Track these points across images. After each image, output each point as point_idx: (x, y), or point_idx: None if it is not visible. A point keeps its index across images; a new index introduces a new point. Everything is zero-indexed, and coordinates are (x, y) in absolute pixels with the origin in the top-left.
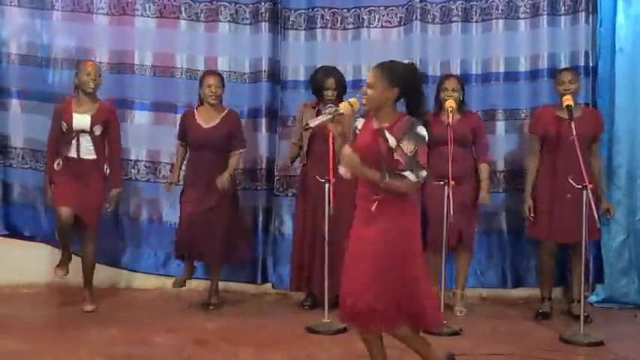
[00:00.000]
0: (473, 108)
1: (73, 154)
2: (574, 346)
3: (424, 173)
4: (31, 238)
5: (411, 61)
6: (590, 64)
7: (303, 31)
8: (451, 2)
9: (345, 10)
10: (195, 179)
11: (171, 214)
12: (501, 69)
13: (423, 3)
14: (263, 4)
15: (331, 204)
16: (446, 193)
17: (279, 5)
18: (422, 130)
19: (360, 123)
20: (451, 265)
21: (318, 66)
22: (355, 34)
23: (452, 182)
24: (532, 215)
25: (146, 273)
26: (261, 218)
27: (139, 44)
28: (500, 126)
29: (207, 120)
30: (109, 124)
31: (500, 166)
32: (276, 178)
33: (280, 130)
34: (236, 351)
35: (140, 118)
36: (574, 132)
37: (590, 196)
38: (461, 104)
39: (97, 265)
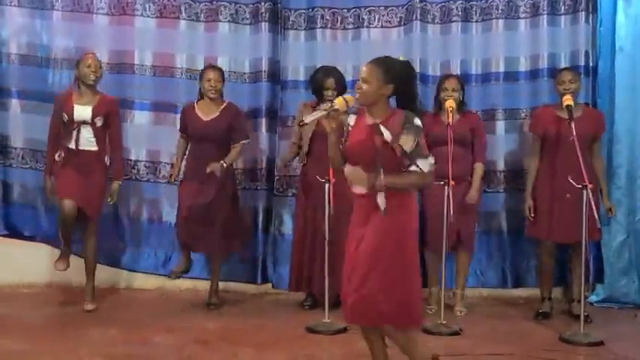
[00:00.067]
0: (473, 108)
1: (72, 145)
2: (574, 345)
3: (432, 160)
4: (31, 238)
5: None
6: (590, 64)
7: (303, 31)
8: (451, 2)
9: (345, 10)
10: (196, 171)
11: (171, 214)
12: (501, 69)
13: (423, 3)
14: (263, 4)
15: (331, 204)
16: (446, 193)
17: (279, 5)
18: (418, 121)
19: (352, 119)
20: (451, 265)
21: (318, 66)
22: (355, 34)
23: (452, 182)
24: (532, 215)
25: (146, 273)
26: (261, 218)
27: (139, 44)
28: (500, 126)
29: (206, 113)
30: (110, 117)
31: (500, 166)
32: (276, 178)
33: (280, 130)
34: (236, 351)
35: (140, 118)
36: (574, 132)
37: (591, 196)
38: (461, 104)
39: (97, 265)
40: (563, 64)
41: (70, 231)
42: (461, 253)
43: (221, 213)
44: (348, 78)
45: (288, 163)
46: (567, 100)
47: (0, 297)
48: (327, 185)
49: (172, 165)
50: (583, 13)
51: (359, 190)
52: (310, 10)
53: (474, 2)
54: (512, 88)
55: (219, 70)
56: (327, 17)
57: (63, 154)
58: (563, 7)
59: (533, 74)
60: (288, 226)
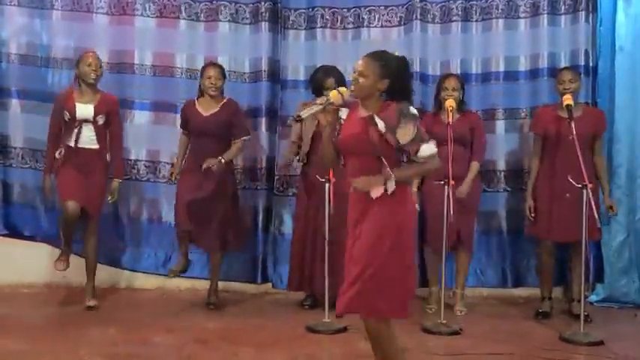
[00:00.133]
0: (473, 107)
1: (71, 143)
2: (574, 345)
3: (434, 144)
4: (31, 238)
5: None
6: (590, 63)
7: (303, 31)
8: (451, 2)
9: (345, 10)
10: (195, 166)
11: (171, 214)
12: (501, 68)
13: (423, 2)
14: (263, 3)
15: (331, 203)
16: (446, 193)
17: (279, 5)
18: (413, 110)
19: (344, 113)
20: (451, 265)
21: (318, 65)
22: (355, 33)
23: (452, 182)
24: (533, 215)
25: (146, 273)
26: (261, 218)
27: (138, 44)
28: (500, 125)
29: (206, 108)
30: (111, 115)
31: (500, 165)
32: (276, 177)
33: (280, 129)
34: (236, 350)
35: (140, 117)
36: (574, 131)
37: (591, 195)
38: (461, 104)
39: (98, 265)
40: (563, 64)
41: (72, 231)
42: (460, 252)
43: (220, 210)
44: (348, 77)
45: (289, 161)
46: (567, 99)
47: (0, 297)
48: (327, 185)
49: (173, 164)
50: (583, 12)
51: (375, 193)
52: (310, 9)
53: (474, 2)
54: (512, 87)
55: (220, 67)
56: (327, 17)
57: (63, 152)
58: (563, 7)
59: (533, 74)
60: (288, 226)
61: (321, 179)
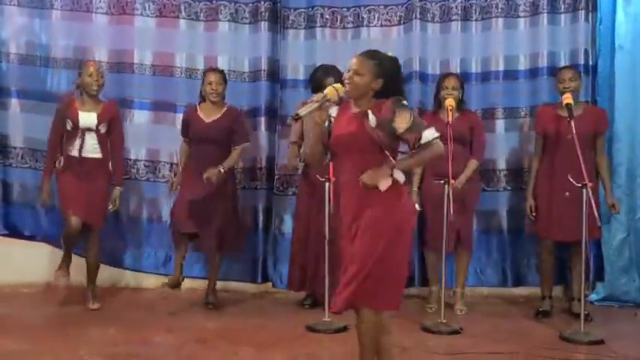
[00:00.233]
0: (473, 106)
1: (75, 152)
2: (574, 344)
3: (434, 129)
4: (31, 238)
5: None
6: (590, 62)
7: (302, 30)
8: (451, 1)
9: (344, 9)
10: (196, 171)
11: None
12: (501, 67)
13: (422, 2)
14: (262, 3)
15: (331, 203)
16: (446, 192)
17: (278, 4)
18: (406, 102)
19: (333, 111)
20: (451, 264)
21: (317, 65)
22: (355, 32)
23: (452, 181)
24: (533, 214)
25: (146, 272)
26: (261, 217)
27: (138, 43)
28: (500, 124)
29: (208, 115)
30: (113, 123)
31: (500, 164)
32: (276, 177)
33: (280, 128)
34: (236, 350)
35: (140, 117)
36: (573, 130)
37: (591, 194)
38: (460, 103)
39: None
40: (562, 63)
41: (74, 244)
42: (460, 252)
43: (220, 212)
44: None
45: (296, 168)
46: (567, 98)
47: (0, 297)
48: (327, 184)
49: (171, 167)
50: (583, 11)
51: (384, 186)
52: (310, 9)
53: (474, 1)
54: (511, 86)
55: (221, 72)
56: (327, 16)
57: (64, 161)
58: (562, 6)
59: (533, 73)
60: (288, 225)
61: (321, 178)
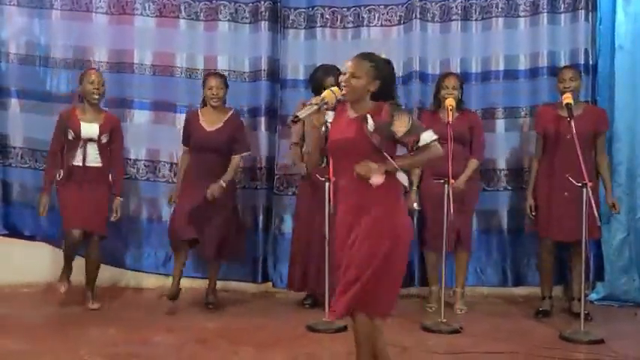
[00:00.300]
0: (473, 106)
1: (78, 162)
2: (574, 344)
3: (432, 132)
4: (31, 238)
5: (410, 58)
6: (590, 62)
7: (302, 30)
8: (451, 1)
9: (344, 9)
10: (196, 179)
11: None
12: (501, 67)
13: (422, 2)
14: (263, 3)
15: (331, 203)
16: (446, 192)
17: (278, 4)
18: (403, 108)
19: (330, 117)
20: (451, 264)
21: (317, 65)
22: (355, 32)
23: (452, 181)
24: (533, 214)
25: (146, 272)
26: (261, 217)
27: (138, 43)
28: (500, 124)
29: (210, 122)
30: (114, 134)
31: (500, 164)
32: (276, 176)
33: (280, 128)
34: (236, 350)
35: (140, 117)
36: (573, 130)
37: (591, 194)
38: (459, 103)
39: None
40: (563, 63)
41: (74, 255)
42: (459, 251)
43: (220, 221)
44: None
45: (305, 171)
46: (567, 98)
47: (0, 297)
48: (327, 184)
49: (171, 167)
50: (583, 11)
51: (376, 181)
52: (310, 9)
53: (474, 1)
54: (512, 86)
55: (222, 76)
56: (327, 16)
57: (65, 172)
58: (562, 6)
59: (533, 72)
60: (288, 225)
61: (320, 178)
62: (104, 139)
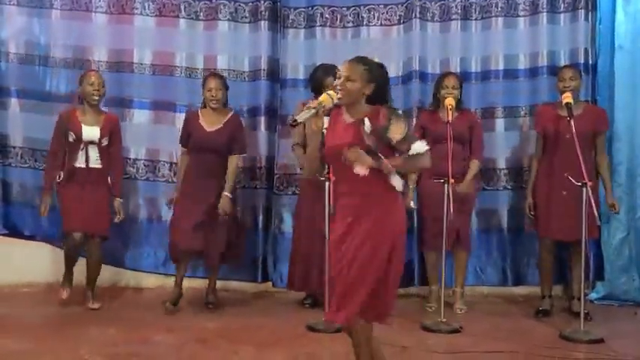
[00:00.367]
0: (472, 106)
1: (81, 164)
2: (574, 343)
3: (425, 143)
4: (31, 238)
5: (410, 58)
6: (590, 62)
7: (302, 30)
8: (450, 0)
9: (344, 9)
10: (196, 180)
11: (170, 213)
12: (501, 66)
13: (422, 1)
14: (262, 2)
15: (331, 203)
16: (446, 192)
17: (278, 4)
18: (400, 112)
19: (325, 122)
20: (451, 263)
21: (317, 64)
22: (355, 32)
23: (452, 180)
24: (532, 213)
25: (146, 272)
26: (261, 217)
27: (138, 43)
28: (500, 124)
29: (210, 123)
30: (114, 136)
31: (500, 163)
32: (276, 176)
33: (280, 128)
34: (236, 349)
35: (139, 116)
36: (573, 129)
37: (590, 193)
38: (459, 102)
39: None
40: (562, 62)
41: (76, 259)
42: (459, 251)
43: (222, 228)
44: None
45: (318, 176)
46: (567, 97)
47: (0, 297)
48: (327, 184)
49: (171, 167)
50: (582, 10)
51: (360, 170)
52: (310, 8)
53: (474, 0)
54: (511, 85)
55: (221, 77)
56: (327, 15)
57: (64, 174)
58: (562, 5)
59: (533, 72)
60: (288, 225)
61: (320, 178)
62: (104, 142)
